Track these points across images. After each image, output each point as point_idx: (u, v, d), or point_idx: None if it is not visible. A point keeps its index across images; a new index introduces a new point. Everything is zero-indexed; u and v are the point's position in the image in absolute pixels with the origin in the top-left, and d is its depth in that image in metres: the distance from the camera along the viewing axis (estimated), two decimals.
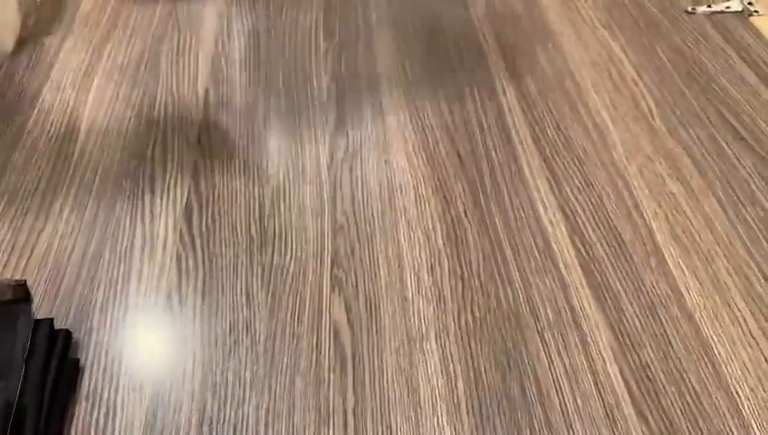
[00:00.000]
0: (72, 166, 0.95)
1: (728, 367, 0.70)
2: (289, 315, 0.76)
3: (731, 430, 0.65)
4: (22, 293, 0.74)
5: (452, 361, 0.71)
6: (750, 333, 0.73)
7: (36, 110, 1.05)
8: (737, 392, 0.68)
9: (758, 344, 0.72)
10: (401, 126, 1.00)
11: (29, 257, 0.82)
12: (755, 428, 0.65)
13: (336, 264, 0.81)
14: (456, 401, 0.67)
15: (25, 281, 0.75)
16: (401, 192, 0.90)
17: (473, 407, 0.67)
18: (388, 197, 0.89)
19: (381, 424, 0.66)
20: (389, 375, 0.70)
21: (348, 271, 0.80)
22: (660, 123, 0.99)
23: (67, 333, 0.71)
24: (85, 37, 1.19)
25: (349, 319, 0.75)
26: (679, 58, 1.11)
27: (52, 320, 0.71)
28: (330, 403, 0.67)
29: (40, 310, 0.76)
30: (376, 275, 0.80)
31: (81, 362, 0.72)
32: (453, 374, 0.69)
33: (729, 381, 0.69)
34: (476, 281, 0.79)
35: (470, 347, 0.72)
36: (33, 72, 1.12)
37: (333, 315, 0.76)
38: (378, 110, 1.03)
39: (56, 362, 0.68)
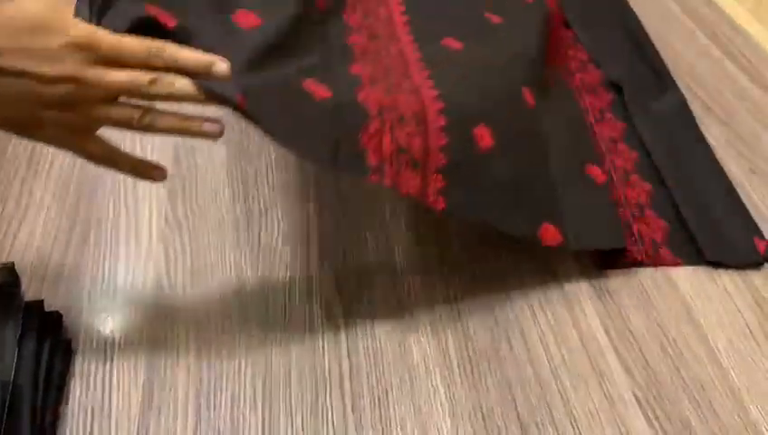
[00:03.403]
0: (50, 154, 0.95)
1: (705, 320, 0.73)
2: (279, 291, 0.77)
3: (711, 378, 0.68)
4: (10, 275, 0.73)
5: (442, 326, 0.73)
6: (724, 287, 0.76)
7: None
8: (715, 344, 0.71)
9: (732, 299, 0.75)
10: None
11: (12, 243, 0.82)
12: (734, 375, 0.68)
13: (323, 239, 0.82)
14: (448, 363, 0.69)
15: (13, 263, 0.75)
16: None
17: (464, 367, 0.69)
18: None
19: (377, 387, 0.67)
20: (382, 342, 0.71)
21: (335, 246, 0.81)
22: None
23: (58, 315, 0.71)
24: None
25: (339, 291, 0.76)
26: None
27: (42, 301, 0.71)
28: (325, 370, 0.69)
29: (27, 294, 0.76)
30: (363, 249, 0.81)
31: (74, 343, 0.72)
32: (444, 338, 0.71)
33: (707, 333, 0.72)
34: (464, 255, 0.80)
35: (458, 311, 0.74)
36: None
37: (324, 288, 0.77)
38: None
39: (49, 343, 0.68)
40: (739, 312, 0.74)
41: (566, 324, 0.72)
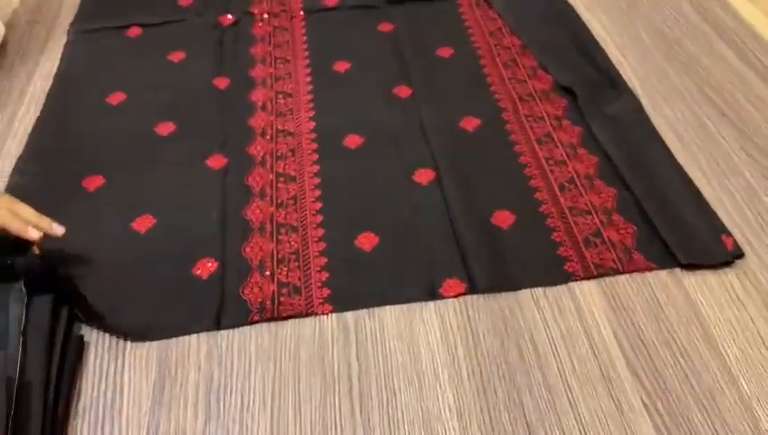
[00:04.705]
0: None
1: (717, 328, 0.72)
2: None
3: (721, 386, 0.68)
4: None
5: (451, 328, 0.73)
6: (737, 296, 0.75)
7: (27, 98, 1.05)
8: (726, 352, 0.70)
9: (744, 306, 0.74)
10: None
11: None
12: (744, 383, 0.68)
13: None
14: (457, 367, 0.69)
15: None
16: None
17: (473, 371, 0.69)
18: None
19: (386, 390, 0.67)
20: (391, 344, 0.71)
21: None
22: (645, 101, 1.02)
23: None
24: None
25: None
26: (660, 38, 1.14)
27: (53, 296, 0.71)
28: (334, 371, 0.69)
29: None
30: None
31: (86, 338, 0.73)
32: (453, 341, 0.71)
33: (718, 341, 0.71)
34: None
35: (468, 315, 0.74)
36: (22, 61, 1.12)
37: None
38: None
39: (61, 338, 0.69)
40: (751, 320, 0.73)
41: (576, 331, 0.72)
